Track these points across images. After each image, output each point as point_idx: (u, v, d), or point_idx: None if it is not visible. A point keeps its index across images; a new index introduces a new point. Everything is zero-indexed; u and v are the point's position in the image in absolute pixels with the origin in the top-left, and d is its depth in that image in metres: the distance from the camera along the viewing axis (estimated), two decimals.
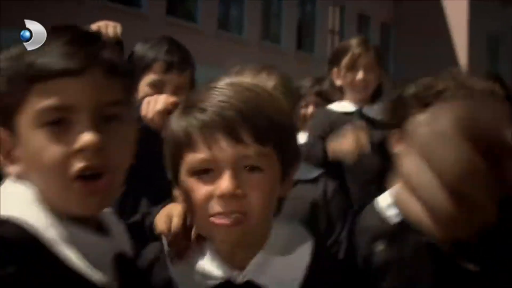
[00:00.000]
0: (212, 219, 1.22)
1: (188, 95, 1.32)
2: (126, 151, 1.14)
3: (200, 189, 1.22)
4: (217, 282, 1.28)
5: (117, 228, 1.23)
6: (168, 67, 2.31)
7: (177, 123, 1.27)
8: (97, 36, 1.15)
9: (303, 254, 1.32)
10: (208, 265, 1.30)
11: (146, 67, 2.31)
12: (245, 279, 1.28)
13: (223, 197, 1.20)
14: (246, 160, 1.21)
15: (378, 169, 3.27)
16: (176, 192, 1.32)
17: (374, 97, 3.37)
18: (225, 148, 1.21)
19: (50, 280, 1.00)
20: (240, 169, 1.21)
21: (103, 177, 1.07)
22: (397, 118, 1.87)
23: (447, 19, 24.03)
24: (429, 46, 22.80)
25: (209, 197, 1.21)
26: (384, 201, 1.87)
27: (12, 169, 1.11)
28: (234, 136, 1.21)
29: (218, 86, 1.28)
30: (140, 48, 2.39)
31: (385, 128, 1.94)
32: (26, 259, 0.98)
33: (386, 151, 3.22)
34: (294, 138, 1.36)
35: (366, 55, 3.29)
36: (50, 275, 1.01)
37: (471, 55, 23.00)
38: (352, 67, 3.29)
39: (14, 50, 1.09)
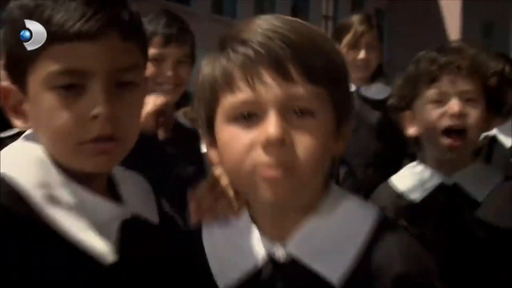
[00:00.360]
0: (256, 171, 1.03)
1: (226, 30, 1.16)
2: (138, 117, 1.11)
3: (241, 137, 1.03)
4: (254, 264, 1.10)
5: (138, 193, 1.19)
6: (167, 40, 2.29)
7: (212, 61, 1.09)
8: None
9: (361, 229, 1.08)
10: (245, 237, 1.13)
11: None
12: (286, 254, 1.09)
13: (268, 144, 1.00)
14: (296, 101, 1.03)
15: (376, 151, 3.23)
16: (211, 154, 1.13)
17: (373, 77, 3.32)
18: (271, 87, 1.02)
19: (30, 242, 0.97)
20: (288, 112, 1.03)
21: (113, 141, 1.05)
22: (407, 99, 1.83)
23: (441, 7, 23.98)
24: (423, 33, 22.74)
25: (251, 146, 1.03)
26: (402, 183, 1.88)
27: (18, 123, 1.09)
28: (282, 72, 1.02)
29: (262, 17, 1.10)
30: None
31: (395, 111, 1.89)
32: (6, 219, 0.96)
33: (384, 133, 3.21)
34: (348, 83, 1.15)
35: (369, 34, 3.20)
36: (31, 237, 0.98)
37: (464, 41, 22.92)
38: (354, 46, 3.20)
39: (28, 3, 1.04)
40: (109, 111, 1.02)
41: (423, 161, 1.87)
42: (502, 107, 1.84)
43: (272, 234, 1.11)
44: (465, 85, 1.73)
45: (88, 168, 1.06)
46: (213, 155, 1.13)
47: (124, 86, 1.06)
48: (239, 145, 1.04)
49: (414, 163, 1.89)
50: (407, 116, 1.85)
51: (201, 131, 1.16)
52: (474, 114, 1.74)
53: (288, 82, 1.02)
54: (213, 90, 1.07)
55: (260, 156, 1.02)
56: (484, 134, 3.02)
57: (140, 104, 1.12)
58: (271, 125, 1.01)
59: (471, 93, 1.74)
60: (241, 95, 1.03)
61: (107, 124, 1.02)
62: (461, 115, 1.73)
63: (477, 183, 1.77)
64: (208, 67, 1.10)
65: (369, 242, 1.07)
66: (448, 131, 1.75)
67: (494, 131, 3.06)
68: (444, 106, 1.75)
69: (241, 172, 1.05)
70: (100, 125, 1.02)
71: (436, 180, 1.81)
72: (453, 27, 23.60)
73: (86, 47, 1.01)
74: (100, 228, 1.05)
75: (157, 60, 2.28)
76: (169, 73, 2.27)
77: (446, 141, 1.75)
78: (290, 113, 1.03)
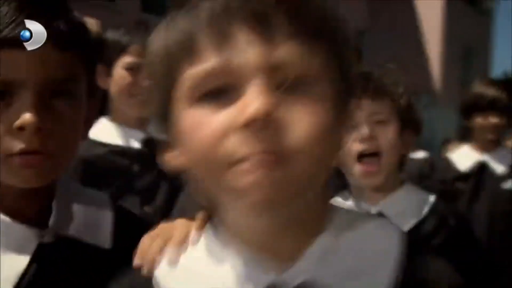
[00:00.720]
0: (234, 166, 0.72)
1: None
2: (74, 132, 1.04)
3: (210, 122, 0.73)
4: None
5: (87, 212, 1.09)
6: (144, 48, 2.16)
7: (165, 28, 0.80)
8: (55, 2, 1.03)
9: (390, 247, 0.81)
10: (226, 266, 0.81)
11: (121, 51, 2.23)
12: (298, 282, 0.77)
13: (250, 124, 0.70)
14: (286, 69, 0.73)
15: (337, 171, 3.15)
16: (168, 156, 0.83)
17: None
18: (250, 50, 0.72)
19: None
20: (275, 83, 0.73)
21: (41, 155, 0.98)
22: None
23: (422, 29, 24.15)
24: (403, 54, 22.89)
25: (224, 133, 0.72)
26: None
27: None
28: (264, 29, 0.73)
29: None
30: (112, 34, 2.30)
31: None
32: None
33: None
34: (350, 49, 0.85)
35: None
36: None
37: (444, 64, 23.14)
38: None
39: None
40: (37, 123, 0.95)
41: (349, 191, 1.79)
42: (418, 127, 1.80)
43: (262, 261, 0.79)
44: (372, 108, 1.66)
45: (15, 182, 1.00)
46: (170, 157, 0.82)
47: (59, 98, 1.00)
48: (207, 132, 0.73)
49: (341, 195, 1.79)
50: None
51: (155, 126, 0.89)
52: (386, 136, 1.68)
53: (273, 42, 0.73)
54: (169, 64, 0.78)
55: (238, 144, 0.72)
56: (474, 160, 3.03)
57: (78, 118, 1.05)
58: (253, 99, 0.71)
59: (380, 115, 1.68)
60: (208, 63, 0.74)
61: (34, 137, 0.96)
62: (372, 138, 1.66)
63: (402, 212, 1.69)
64: (160, 36, 0.81)
65: (403, 260, 0.81)
66: (361, 156, 1.68)
67: (484, 157, 3.02)
68: (355, 131, 1.67)
69: (211, 170, 0.74)
70: (27, 138, 0.96)
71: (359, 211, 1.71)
72: (434, 48, 23.77)
73: (15, 55, 0.95)
74: (15, 253, 1.00)
75: (133, 69, 2.21)
76: (145, 83, 2.15)
77: (359, 167, 1.68)
78: (278, 85, 0.73)
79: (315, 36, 0.75)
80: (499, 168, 2.97)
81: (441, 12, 23.85)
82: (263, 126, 0.71)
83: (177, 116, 0.78)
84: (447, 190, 2.81)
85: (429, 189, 1.92)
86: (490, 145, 3.00)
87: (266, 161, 0.71)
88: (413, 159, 4.08)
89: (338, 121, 0.78)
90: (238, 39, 0.73)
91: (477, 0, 24.74)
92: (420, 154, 4.47)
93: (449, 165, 3.09)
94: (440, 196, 1.85)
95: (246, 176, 0.71)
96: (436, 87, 21.70)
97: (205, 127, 0.74)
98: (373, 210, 1.69)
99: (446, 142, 6.91)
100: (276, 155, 0.71)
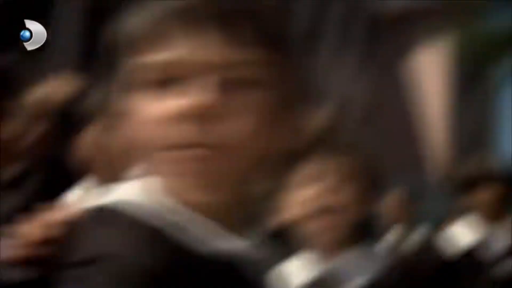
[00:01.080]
0: (167, 151, 0.76)
1: None
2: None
3: (152, 106, 0.77)
4: None
5: None
6: None
7: (134, 14, 0.81)
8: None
9: None
10: None
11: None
12: None
13: (185, 115, 0.74)
14: (238, 68, 0.77)
15: None
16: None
17: None
18: (211, 46, 0.76)
19: None
20: (224, 80, 0.76)
21: None
22: None
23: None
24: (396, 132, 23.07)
25: (167, 117, 0.75)
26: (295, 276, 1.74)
27: None
28: (228, 31, 0.76)
29: None
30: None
31: None
32: None
33: None
34: (302, 54, 0.91)
35: None
36: None
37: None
38: None
39: None
40: None
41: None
42: (380, 184, 1.79)
43: None
44: (336, 163, 1.67)
45: None
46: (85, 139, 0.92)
47: None
48: (147, 115, 0.77)
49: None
50: None
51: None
52: (347, 192, 1.65)
53: (233, 44, 0.77)
54: (131, 44, 0.80)
55: (177, 131, 0.75)
56: (475, 234, 2.90)
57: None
58: (198, 92, 0.75)
59: (343, 171, 1.67)
60: (165, 53, 0.77)
61: None
62: (333, 193, 1.64)
63: (352, 270, 1.66)
64: (132, 15, 0.82)
65: None
66: (321, 211, 1.64)
67: (486, 231, 2.94)
68: (316, 183, 1.65)
69: (143, 151, 0.78)
70: None
71: (309, 270, 1.69)
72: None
73: None
74: None
75: None
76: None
77: (317, 221, 1.64)
78: (227, 81, 0.77)
79: (276, 42, 0.80)
80: (499, 244, 2.87)
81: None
82: (197, 117, 0.74)
83: (130, 96, 0.80)
84: (448, 272, 2.76)
85: (427, 270, 1.88)
86: (491, 218, 2.92)
87: (199, 154, 0.75)
88: (407, 242, 3.96)
89: (274, 127, 0.81)
90: (203, 35, 0.76)
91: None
92: (415, 234, 4.42)
93: (448, 243, 2.98)
94: (440, 277, 1.81)
95: (177, 164, 0.76)
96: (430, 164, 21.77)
97: (146, 112, 0.77)
98: (325, 267, 1.66)
99: (445, 217, 6.87)
100: (209, 148, 0.75)
